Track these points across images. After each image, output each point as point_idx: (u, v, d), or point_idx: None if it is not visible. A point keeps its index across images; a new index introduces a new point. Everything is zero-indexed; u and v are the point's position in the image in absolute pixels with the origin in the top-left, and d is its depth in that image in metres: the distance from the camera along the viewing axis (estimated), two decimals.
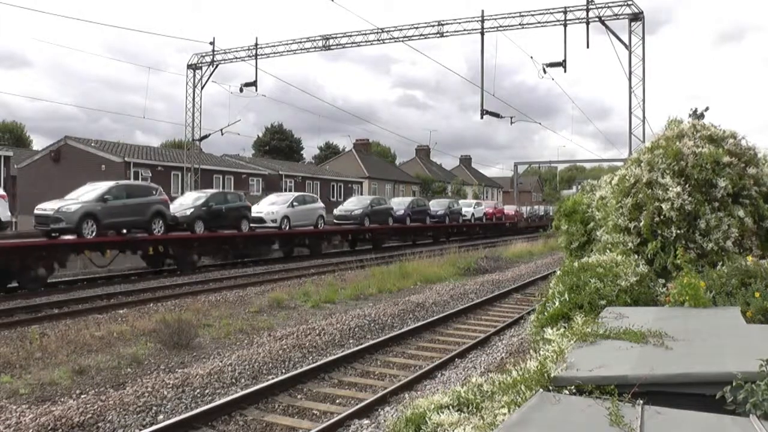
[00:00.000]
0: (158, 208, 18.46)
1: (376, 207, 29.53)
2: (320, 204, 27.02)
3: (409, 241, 32.53)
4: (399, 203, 33.09)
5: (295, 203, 25.02)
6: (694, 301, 5.04)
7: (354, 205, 29.50)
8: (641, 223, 6.35)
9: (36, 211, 16.37)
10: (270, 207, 24.06)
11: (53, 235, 16.08)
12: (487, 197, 68.34)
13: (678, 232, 6.11)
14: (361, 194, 47.21)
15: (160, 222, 18.42)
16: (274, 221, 23.36)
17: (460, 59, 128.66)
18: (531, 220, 52.81)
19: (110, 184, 18.09)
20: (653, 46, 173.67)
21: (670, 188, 6.19)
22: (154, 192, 18.93)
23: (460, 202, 41.53)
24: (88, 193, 17.24)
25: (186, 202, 20.81)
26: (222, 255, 21.81)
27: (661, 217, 6.20)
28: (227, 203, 21.76)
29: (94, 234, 16.40)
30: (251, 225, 22.49)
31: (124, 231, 17.67)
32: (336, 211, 29.19)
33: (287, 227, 23.79)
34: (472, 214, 39.86)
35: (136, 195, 18.15)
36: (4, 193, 15.66)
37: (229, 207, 21.62)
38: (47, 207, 16.24)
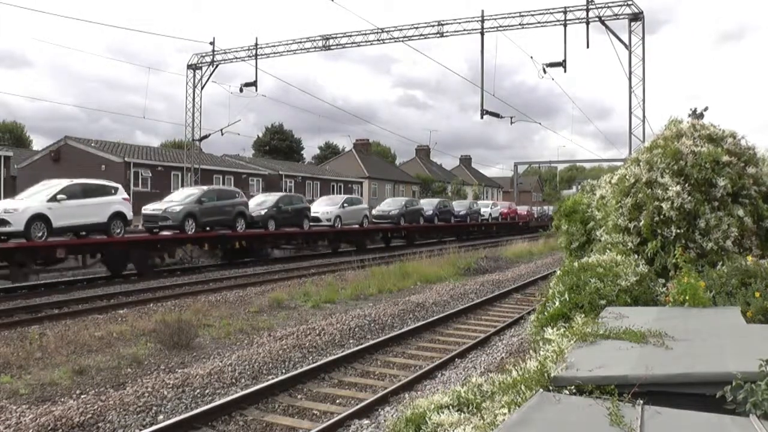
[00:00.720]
0: (241, 209, 21.58)
1: (410, 207, 32.43)
2: (365, 205, 30.41)
3: (435, 239, 35.03)
4: (428, 204, 35.67)
5: (345, 204, 28.07)
6: (693, 301, 5.04)
7: (390, 206, 32.34)
8: (641, 223, 6.35)
9: (144, 211, 19.24)
10: (325, 208, 27.02)
11: (154, 231, 18.97)
12: (486, 197, 68.37)
13: (678, 231, 6.11)
14: (361, 194, 47.40)
15: (242, 221, 21.49)
16: (328, 220, 26.40)
17: (461, 59, 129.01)
18: (540, 219, 53.75)
19: (205, 188, 21.95)
20: (653, 45, 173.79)
21: (670, 187, 6.19)
22: (237, 195, 22.23)
23: (479, 203, 45.08)
24: (188, 196, 20.36)
25: (260, 203, 23.68)
26: (289, 248, 25.42)
27: (661, 216, 6.20)
28: (292, 204, 24.91)
29: (193, 230, 19.48)
30: (310, 224, 25.58)
31: (207, 228, 20.27)
32: (374, 211, 31.55)
33: (339, 226, 26.81)
34: (490, 214, 43.43)
35: (225, 198, 21.44)
36: (128, 196, 16.86)
37: (294, 208, 24.68)
38: (155, 208, 19.37)
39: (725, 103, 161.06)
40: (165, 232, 19.24)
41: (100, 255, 17.76)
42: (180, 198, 20.32)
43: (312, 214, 25.73)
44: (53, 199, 15.97)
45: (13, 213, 15.07)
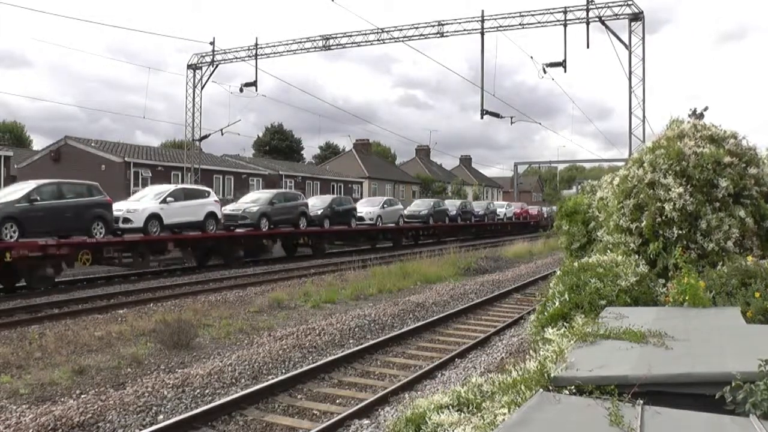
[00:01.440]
0: (303, 209, 24.63)
1: (437, 208, 35.55)
2: (401, 206, 33.27)
3: (460, 236, 37.39)
4: (451, 205, 38.85)
5: (385, 205, 31.32)
6: (693, 301, 5.04)
7: (419, 206, 35.34)
8: (643, 224, 6.35)
9: (224, 211, 21.71)
10: (368, 208, 30.02)
11: (231, 228, 21.69)
12: (487, 197, 68.47)
13: (679, 232, 6.10)
14: (361, 195, 47.52)
15: (304, 219, 24.46)
16: (371, 219, 29.48)
17: (461, 59, 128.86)
18: (549, 219, 54.43)
19: (275, 191, 25.57)
20: (654, 45, 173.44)
21: (673, 189, 6.18)
22: (299, 197, 25.65)
23: (495, 203, 48.86)
24: (260, 198, 23.49)
25: (317, 204, 26.62)
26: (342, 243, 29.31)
27: (663, 217, 6.20)
28: (342, 205, 27.80)
29: (266, 228, 22.38)
30: (358, 222, 28.65)
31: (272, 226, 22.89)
32: (406, 211, 33.92)
33: (380, 224, 29.93)
34: (504, 214, 47.00)
35: (290, 200, 24.71)
36: (218, 199, 18.58)
37: (344, 208, 27.58)
38: (234, 208, 22.55)
39: (725, 102, 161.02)
40: (239, 230, 22.11)
41: (193, 249, 20.88)
42: (254, 200, 23.46)
43: (357, 214, 28.74)
44: (164, 201, 18.96)
45: (134, 213, 18.01)
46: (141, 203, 18.75)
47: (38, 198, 15.37)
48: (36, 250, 14.93)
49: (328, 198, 28.63)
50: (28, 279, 15.37)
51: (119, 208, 18.06)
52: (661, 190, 6.32)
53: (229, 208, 22.44)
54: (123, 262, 17.74)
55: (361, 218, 28.88)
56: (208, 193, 21.36)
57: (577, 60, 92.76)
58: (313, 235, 25.63)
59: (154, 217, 18.24)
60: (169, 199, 18.97)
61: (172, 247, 19.83)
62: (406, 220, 32.79)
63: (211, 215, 20.47)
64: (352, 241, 30.06)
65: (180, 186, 21.59)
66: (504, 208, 48.03)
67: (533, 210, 54.70)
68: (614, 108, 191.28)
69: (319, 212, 25.83)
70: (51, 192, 15.90)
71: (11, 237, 14.50)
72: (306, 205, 25.11)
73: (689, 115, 7.79)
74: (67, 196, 16.21)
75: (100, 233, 16.67)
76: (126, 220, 17.76)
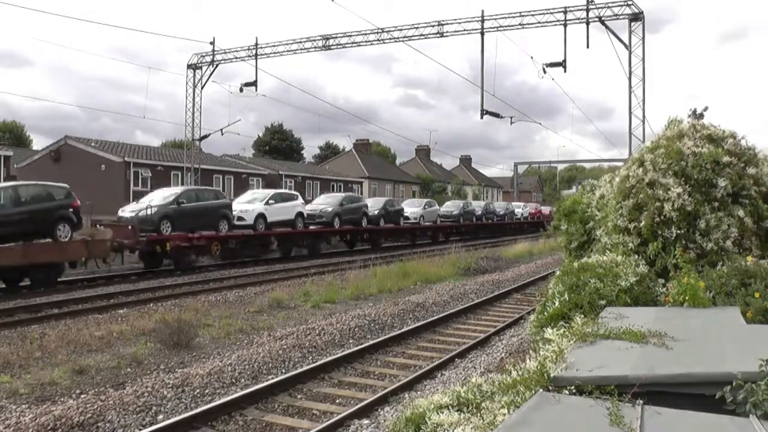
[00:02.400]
0: (365, 210, 28.91)
1: (466, 209, 40.31)
2: (438, 207, 37.90)
3: (485, 233, 42.64)
4: (478, 205, 43.89)
5: (426, 206, 36.19)
6: (693, 301, 5.04)
7: (451, 207, 39.54)
8: (641, 224, 6.35)
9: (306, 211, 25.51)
10: (412, 209, 34.63)
11: (307, 225, 25.42)
12: (487, 197, 68.54)
13: (678, 232, 6.10)
14: (361, 194, 47.53)
15: (365, 219, 28.64)
16: (415, 218, 34.28)
17: (462, 59, 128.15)
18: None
19: (344, 194, 31.04)
20: (656, 45, 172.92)
21: (672, 188, 6.18)
22: (362, 199, 30.94)
23: (512, 204, 53.25)
24: (332, 199, 28.09)
25: (374, 206, 31.05)
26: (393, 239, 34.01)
27: (662, 217, 6.20)
28: (393, 206, 32.92)
29: (338, 226, 26.64)
30: (404, 221, 33.47)
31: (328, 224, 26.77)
32: (441, 211, 38.04)
33: (422, 223, 34.74)
34: (521, 214, 51.86)
35: (355, 201, 29.15)
36: (303, 201, 20.38)
37: (395, 209, 32.38)
38: (311, 209, 26.35)
39: (727, 102, 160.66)
40: (312, 227, 26.17)
41: (284, 242, 25.07)
42: (327, 202, 27.79)
43: (405, 214, 33.77)
44: (267, 203, 23.32)
45: (246, 212, 22.23)
46: (251, 205, 22.98)
47: (184, 201, 19.99)
48: (185, 241, 19.43)
49: (382, 200, 33.69)
50: (176, 263, 19.56)
51: (234, 208, 22.36)
52: (660, 189, 6.32)
53: (312, 208, 26.70)
54: (243, 254, 22.52)
55: (407, 217, 33.51)
56: (297, 196, 26.29)
57: (577, 60, 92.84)
58: (372, 232, 30.51)
59: (260, 216, 22.44)
60: (271, 201, 23.39)
61: (273, 240, 24.40)
62: (441, 219, 37.40)
63: (300, 215, 24.88)
64: (400, 238, 34.39)
65: (279, 191, 26.90)
66: (521, 208, 52.75)
67: (545, 210, 56.97)
68: (615, 108, 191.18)
69: (376, 212, 30.35)
70: (191, 196, 20.68)
71: (167, 231, 18.96)
72: (366, 206, 29.56)
73: (689, 115, 7.78)
74: (201, 199, 20.89)
75: (225, 229, 20.93)
76: (240, 218, 21.97)
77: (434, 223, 36.30)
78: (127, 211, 19.53)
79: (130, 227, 18.10)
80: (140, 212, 19.13)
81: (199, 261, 20.93)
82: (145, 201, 20.20)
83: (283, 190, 27.33)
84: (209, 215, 20.51)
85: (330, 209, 26.52)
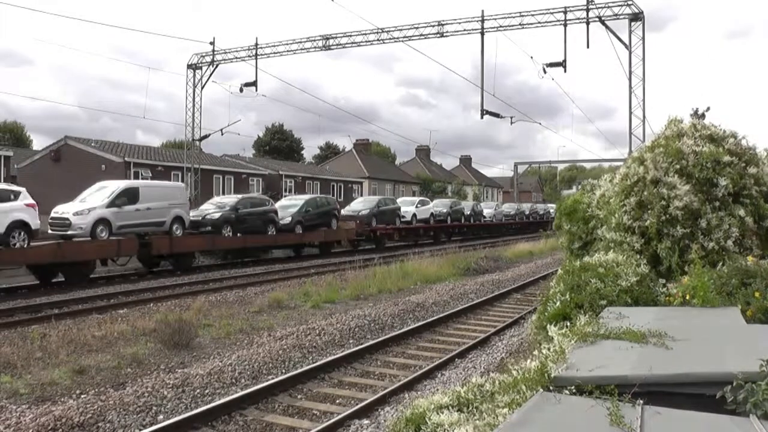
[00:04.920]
0: (397, 212, 32.61)
1: (504, 211, 47.60)
2: (463, 206, 41.69)
3: (516, 231, 47.59)
4: (509, 207, 50.71)
5: (497, 207, 45.91)
6: (703, 301, 5.03)
7: (490, 208, 45.73)
8: (646, 222, 6.34)
9: (343, 212, 29.69)
10: (438, 209, 37.54)
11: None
12: (487, 197, 68.54)
13: (684, 231, 6.09)
14: (361, 194, 47.58)
15: (398, 220, 32.42)
16: (491, 217, 42.69)
17: (464, 58, 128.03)
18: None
19: (379, 197, 34.97)
20: (659, 43, 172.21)
21: (678, 187, 6.17)
22: (395, 201, 34.29)
23: (537, 205, 58.65)
24: (369, 201, 32.34)
25: (439, 207, 37.22)
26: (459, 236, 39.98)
27: (667, 215, 6.19)
28: (458, 206, 39.08)
29: (375, 224, 29.71)
30: (476, 220, 40.75)
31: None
32: (485, 213, 43.54)
33: (448, 221, 37.91)
34: (546, 212, 55.30)
35: (390, 204, 32.73)
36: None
37: (425, 208, 35.68)
38: (353, 210, 30.49)
39: (731, 101, 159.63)
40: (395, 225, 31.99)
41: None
42: (365, 203, 31.86)
43: (466, 213, 39.74)
44: (377, 205, 30.50)
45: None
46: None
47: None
48: (383, 231, 30.50)
49: (448, 201, 40.48)
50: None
51: (354, 209, 30.35)
52: (664, 188, 6.31)
53: (353, 209, 30.75)
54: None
55: (483, 216, 41.23)
56: (395, 200, 34.04)
57: (579, 60, 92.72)
58: (438, 229, 36.41)
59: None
60: (308, 208, 26.57)
61: (421, 232, 34.54)
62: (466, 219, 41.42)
63: (399, 216, 32.08)
64: (433, 234, 37.79)
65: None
66: (545, 207, 57.42)
67: (530, 207, 58.46)
68: (616, 108, 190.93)
69: (444, 211, 36.56)
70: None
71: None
72: (399, 208, 33.11)
73: (691, 115, 7.78)
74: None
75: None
76: (349, 218, 28.14)
77: (460, 222, 39.33)
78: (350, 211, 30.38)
79: (357, 222, 28.45)
80: (361, 212, 29.63)
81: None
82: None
83: (387, 196, 35.31)
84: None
85: (367, 212, 30.06)
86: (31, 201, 15.99)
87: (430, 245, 32.10)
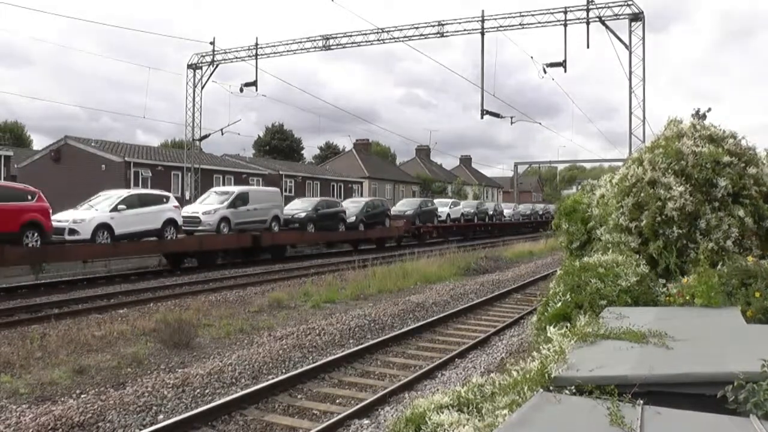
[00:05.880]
0: (435, 213, 35.94)
1: (521, 211, 51.78)
2: (488, 206, 46.00)
3: (529, 230, 50.05)
4: (525, 208, 54.08)
5: (516, 208, 50.21)
6: (707, 301, 5.03)
7: (509, 209, 49.71)
8: (642, 223, 6.34)
9: (393, 211, 33.27)
10: (507, 210, 45.35)
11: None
12: (487, 197, 68.57)
13: (680, 231, 6.10)
14: (361, 195, 47.62)
15: (435, 219, 35.84)
16: (510, 217, 46.68)
17: (465, 58, 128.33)
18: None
19: (421, 199, 39.38)
20: (660, 43, 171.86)
21: (674, 187, 6.18)
22: (432, 203, 37.25)
23: (536, 205, 60.23)
24: (413, 203, 36.50)
25: (466, 207, 41.27)
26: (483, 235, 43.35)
27: (663, 216, 6.20)
28: (484, 207, 43.44)
29: (418, 223, 33.46)
30: (497, 219, 45.19)
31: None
32: (506, 213, 48.18)
33: (475, 220, 41.87)
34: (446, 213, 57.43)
35: (428, 205, 35.85)
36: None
37: (456, 208, 39.71)
38: (399, 210, 34.05)
39: (733, 101, 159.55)
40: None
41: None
42: (407, 206, 35.28)
43: (489, 213, 43.67)
44: (419, 207, 34.27)
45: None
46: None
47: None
48: (426, 229, 34.54)
49: (474, 202, 44.39)
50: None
51: (400, 210, 33.81)
52: (661, 189, 6.32)
53: (398, 209, 34.38)
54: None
55: (503, 215, 45.21)
56: (433, 202, 37.35)
57: (579, 60, 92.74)
58: (466, 227, 40.52)
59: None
60: (422, 205, 32.92)
61: (455, 229, 38.75)
62: (489, 219, 44.60)
63: (436, 215, 35.70)
64: (462, 232, 40.75)
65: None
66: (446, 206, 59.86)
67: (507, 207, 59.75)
68: (617, 108, 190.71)
69: (471, 211, 40.58)
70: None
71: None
72: (437, 209, 36.26)
73: (692, 116, 7.77)
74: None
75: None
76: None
77: (483, 221, 42.72)
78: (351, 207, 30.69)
79: (405, 221, 32.12)
80: (407, 212, 33.62)
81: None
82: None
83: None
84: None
85: (410, 212, 33.61)
86: (176, 203, 20.25)
87: (459, 241, 34.30)
